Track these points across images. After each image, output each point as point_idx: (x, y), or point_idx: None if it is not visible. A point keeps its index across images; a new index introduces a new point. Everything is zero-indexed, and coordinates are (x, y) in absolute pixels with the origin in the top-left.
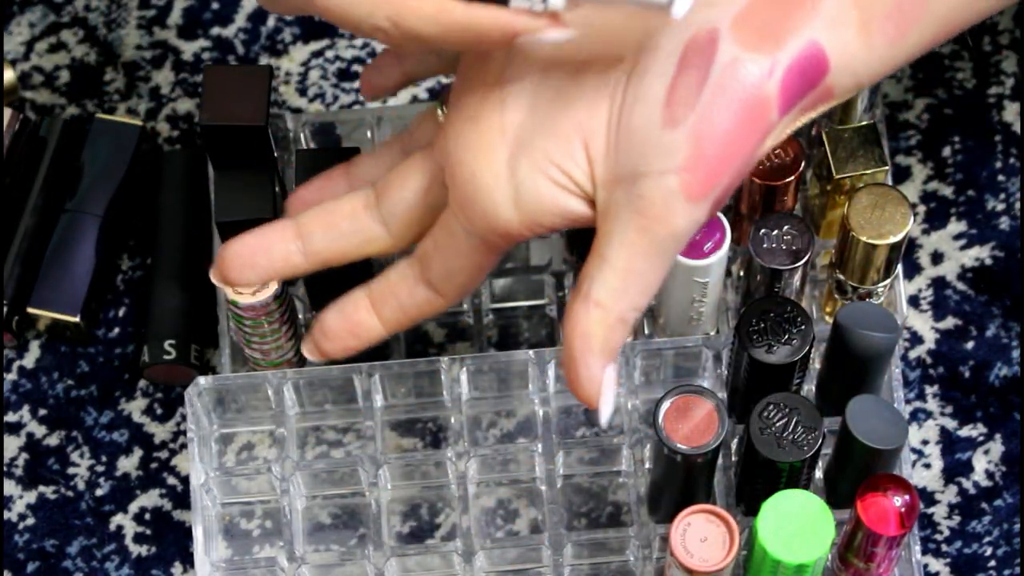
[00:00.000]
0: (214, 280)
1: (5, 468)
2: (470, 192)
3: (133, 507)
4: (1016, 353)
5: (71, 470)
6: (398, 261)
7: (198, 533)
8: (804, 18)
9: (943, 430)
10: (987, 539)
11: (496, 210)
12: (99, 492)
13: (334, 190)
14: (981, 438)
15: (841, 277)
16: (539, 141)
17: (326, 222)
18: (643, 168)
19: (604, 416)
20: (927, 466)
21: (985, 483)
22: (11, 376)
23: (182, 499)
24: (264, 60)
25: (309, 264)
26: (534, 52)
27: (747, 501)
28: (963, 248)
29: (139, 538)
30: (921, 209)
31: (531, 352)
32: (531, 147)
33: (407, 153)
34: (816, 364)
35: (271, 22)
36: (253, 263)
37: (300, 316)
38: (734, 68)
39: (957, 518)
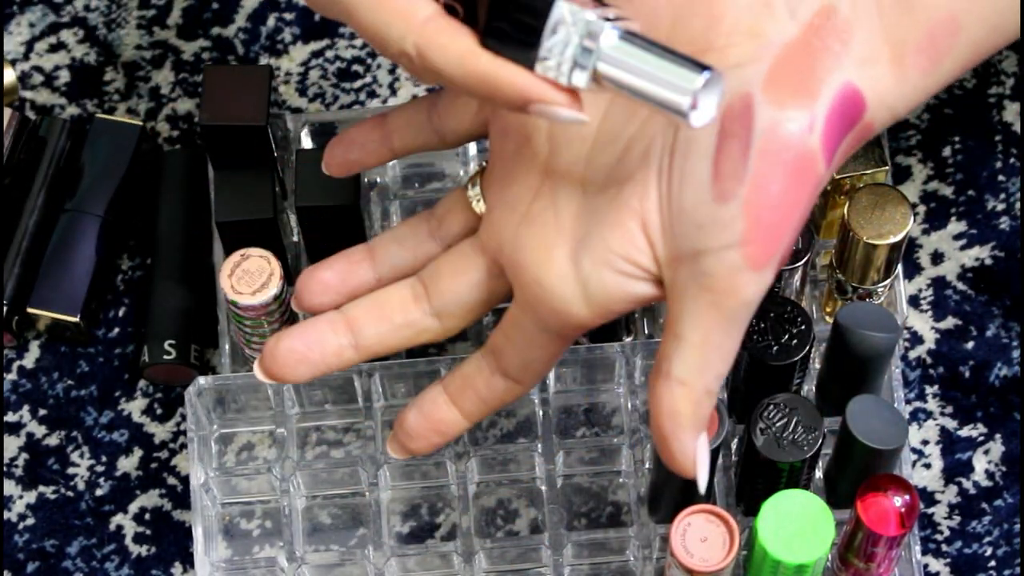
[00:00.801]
0: (259, 375)
1: (5, 468)
2: (537, 294)
3: (133, 507)
4: (1016, 353)
5: (71, 470)
6: (470, 355)
7: (198, 533)
8: (834, 61)
9: (943, 430)
10: (987, 539)
11: (567, 308)
12: (99, 492)
13: (359, 275)
14: (981, 438)
15: (841, 277)
16: (597, 233)
17: (377, 316)
18: (703, 245)
19: (702, 484)
20: (927, 466)
21: (985, 483)
22: (11, 376)
23: (182, 499)
24: (264, 60)
25: (360, 357)
26: (565, 135)
27: (747, 501)
28: (963, 248)
29: (139, 538)
30: (921, 209)
31: None
32: (590, 241)
33: (437, 239)
34: (816, 364)
35: (271, 22)
36: (307, 360)
37: (300, 316)
38: (775, 131)
39: (957, 518)
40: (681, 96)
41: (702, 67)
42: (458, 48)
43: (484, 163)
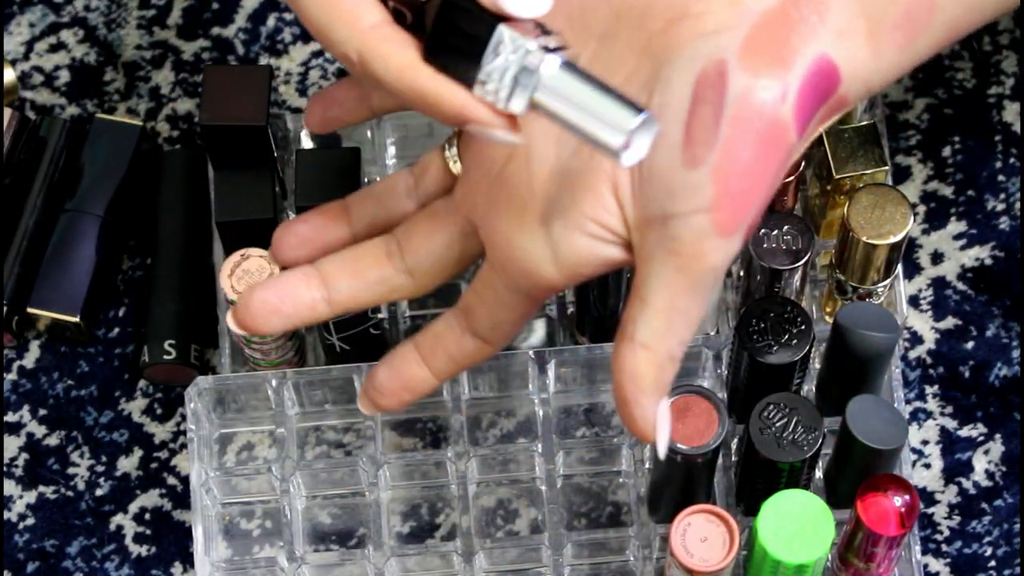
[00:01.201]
0: (232, 326)
1: (5, 468)
2: (508, 255)
3: (133, 507)
4: (1016, 353)
5: (71, 470)
6: (442, 314)
7: (198, 533)
8: (810, 33)
9: (943, 430)
10: (987, 539)
11: (537, 270)
12: (99, 492)
13: (334, 231)
14: (981, 438)
15: (841, 277)
16: (569, 195)
17: (352, 271)
18: (672, 209)
19: (661, 448)
20: (927, 466)
21: (985, 483)
22: (11, 376)
23: (182, 499)
24: (264, 60)
25: (332, 312)
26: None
27: (747, 501)
28: (963, 248)
29: (139, 538)
30: (921, 209)
31: (531, 352)
32: (562, 203)
33: (414, 197)
34: (816, 364)
35: (271, 22)
36: (279, 311)
37: None
38: (748, 99)
39: (957, 518)
40: (615, 135)
41: (638, 108)
42: (399, 60)
43: None
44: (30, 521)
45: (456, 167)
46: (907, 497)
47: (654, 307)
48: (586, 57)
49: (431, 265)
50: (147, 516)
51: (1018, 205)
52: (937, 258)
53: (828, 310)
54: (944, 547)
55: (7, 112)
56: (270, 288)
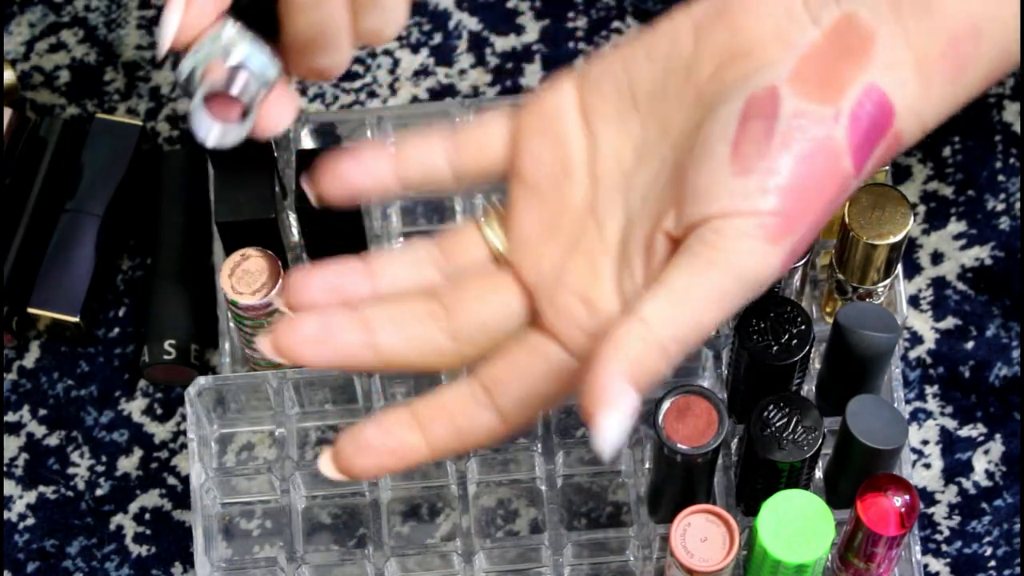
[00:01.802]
0: (266, 352)
1: (5, 468)
2: (584, 318)
3: (133, 507)
4: (1016, 353)
5: (71, 470)
6: (454, 382)
7: (198, 533)
8: (859, 64)
9: (943, 430)
10: (987, 539)
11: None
12: (99, 492)
13: (354, 285)
14: (981, 438)
15: (841, 277)
16: (636, 254)
17: (395, 320)
18: (718, 210)
19: (602, 441)
20: (927, 466)
21: (985, 483)
22: (11, 376)
23: (182, 499)
24: None
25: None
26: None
27: (747, 501)
28: (963, 248)
29: (139, 538)
30: (921, 209)
31: None
32: (631, 256)
33: (443, 271)
34: (816, 364)
35: None
36: (325, 343)
37: None
38: (800, 117)
39: (957, 518)
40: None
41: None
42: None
43: (494, 201)
44: (30, 521)
45: (498, 244)
46: (907, 497)
47: (668, 287)
48: (638, 122)
49: (479, 332)
50: (147, 516)
51: (1018, 205)
52: (937, 258)
53: (828, 310)
54: (944, 547)
55: (7, 112)
56: (312, 322)
